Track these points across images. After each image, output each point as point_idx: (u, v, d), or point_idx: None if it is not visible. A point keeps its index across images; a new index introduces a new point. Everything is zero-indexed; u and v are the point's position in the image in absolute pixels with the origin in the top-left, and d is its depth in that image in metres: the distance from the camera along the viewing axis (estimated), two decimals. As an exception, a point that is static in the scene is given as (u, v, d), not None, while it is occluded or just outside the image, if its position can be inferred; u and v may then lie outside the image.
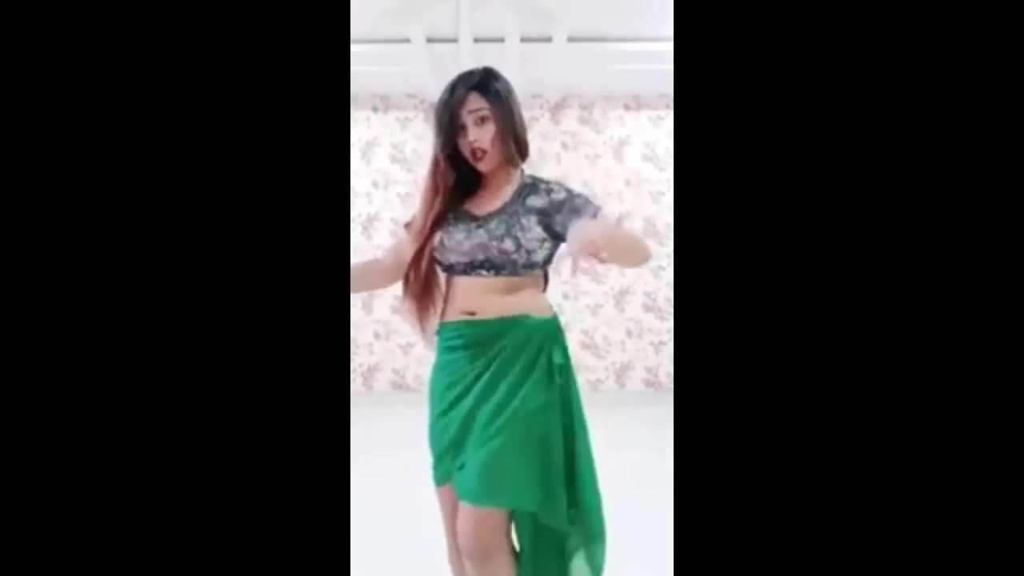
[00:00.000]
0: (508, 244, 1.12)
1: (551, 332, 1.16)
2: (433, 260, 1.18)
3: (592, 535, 1.15)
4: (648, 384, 3.87)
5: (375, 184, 3.77)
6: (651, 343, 3.86)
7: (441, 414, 1.18)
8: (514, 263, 1.13)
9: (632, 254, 1.05)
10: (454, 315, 1.18)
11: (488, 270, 1.14)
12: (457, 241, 1.15)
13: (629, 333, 3.86)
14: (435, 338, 1.23)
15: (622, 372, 3.87)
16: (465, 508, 1.11)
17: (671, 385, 3.85)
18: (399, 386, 3.82)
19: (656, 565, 1.73)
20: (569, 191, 1.18)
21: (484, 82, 1.15)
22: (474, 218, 1.17)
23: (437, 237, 1.16)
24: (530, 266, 1.15)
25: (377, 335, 3.80)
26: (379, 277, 1.31)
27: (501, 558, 1.13)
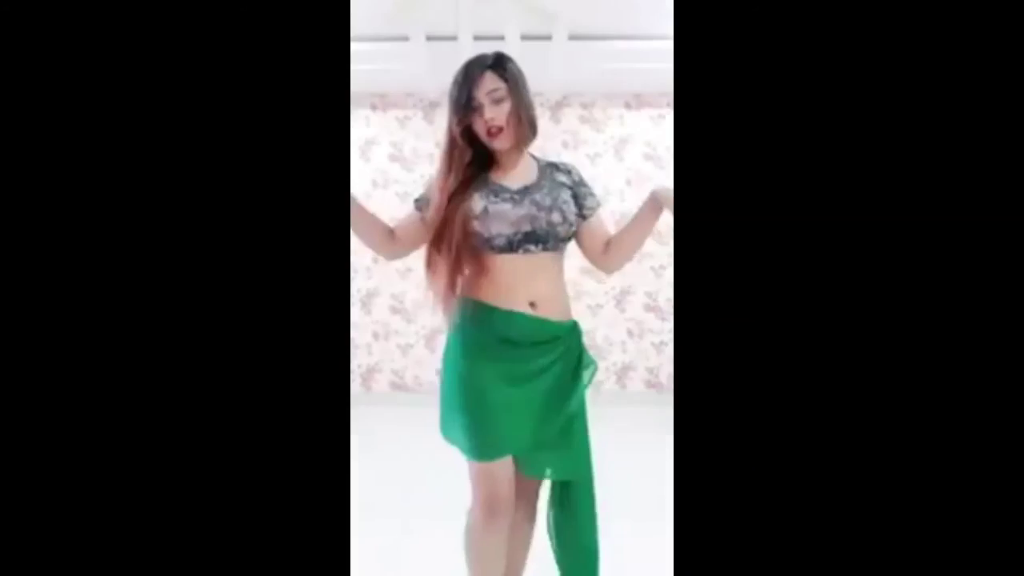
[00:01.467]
0: (555, 216, 1.19)
1: (580, 336, 1.30)
2: (467, 232, 1.17)
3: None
4: (649, 385, 3.86)
5: (374, 183, 3.75)
6: (652, 344, 3.85)
7: (492, 398, 1.18)
8: (557, 236, 1.20)
9: (644, 237, 1.24)
10: (511, 302, 1.18)
11: (536, 244, 1.18)
12: (503, 211, 1.16)
13: (630, 333, 3.85)
14: (456, 312, 1.22)
15: (623, 373, 3.87)
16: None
17: (672, 386, 3.85)
18: (398, 387, 3.81)
19: (656, 566, 1.73)
20: (580, 173, 1.30)
21: (499, 62, 1.19)
22: (513, 191, 1.20)
23: (479, 206, 1.17)
24: (565, 240, 1.23)
25: (376, 336, 3.79)
26: (378, 237, 1.26)
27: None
